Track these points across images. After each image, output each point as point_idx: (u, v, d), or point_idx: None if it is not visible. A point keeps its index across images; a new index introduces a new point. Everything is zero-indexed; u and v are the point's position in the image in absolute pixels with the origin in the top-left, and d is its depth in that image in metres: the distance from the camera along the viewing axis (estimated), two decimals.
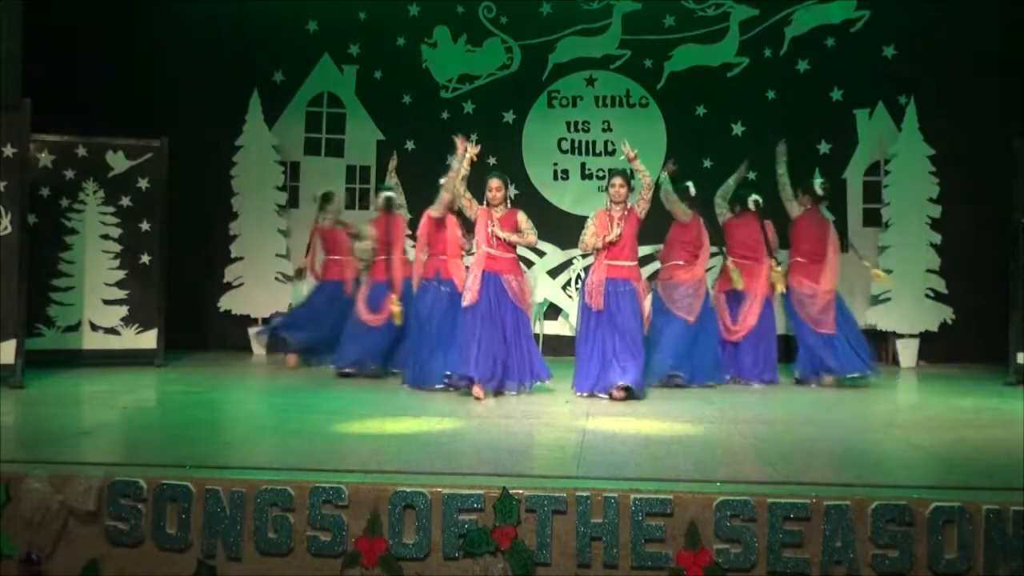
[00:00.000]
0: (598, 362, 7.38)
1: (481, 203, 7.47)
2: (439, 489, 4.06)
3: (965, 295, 10.06)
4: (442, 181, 7.96)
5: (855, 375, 8.35)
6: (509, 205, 7.58)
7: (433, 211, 7.91)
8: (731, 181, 9.05)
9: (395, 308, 8.22)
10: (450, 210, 7.87)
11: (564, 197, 10.87)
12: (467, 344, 7.20)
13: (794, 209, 8.84)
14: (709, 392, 7.88)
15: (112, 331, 9.17)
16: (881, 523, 3.92)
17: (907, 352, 10.14)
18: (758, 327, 8.60)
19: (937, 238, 10.09)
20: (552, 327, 10.82)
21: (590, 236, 7.52)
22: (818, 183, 8.82)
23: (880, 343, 10.46)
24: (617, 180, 7.56)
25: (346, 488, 4.09)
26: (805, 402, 7.86)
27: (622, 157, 7.50)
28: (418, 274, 8.06)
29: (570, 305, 10.57)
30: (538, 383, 7.56)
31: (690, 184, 8.65)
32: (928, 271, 10.12)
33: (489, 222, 7.40)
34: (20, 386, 7.47)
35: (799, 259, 8.78)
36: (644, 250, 9.73)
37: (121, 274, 9.22)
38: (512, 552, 3.97)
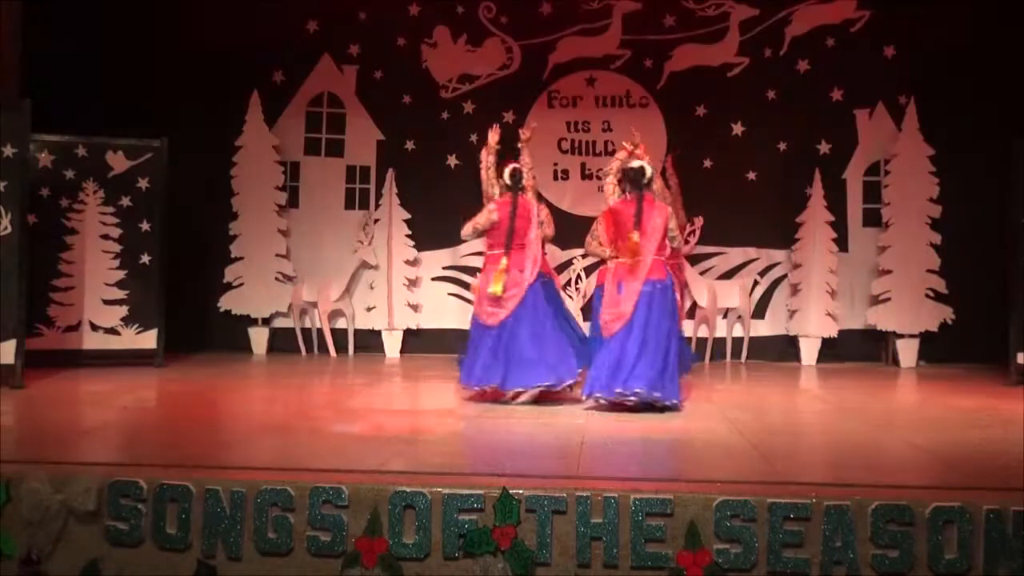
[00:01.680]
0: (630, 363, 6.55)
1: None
2: (439, 489, 4.06)
3: (965, 295, 10.05)
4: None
5: None
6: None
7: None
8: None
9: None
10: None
11: (564, 197, 10.86)
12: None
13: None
14: (710, 392, 7.88)
15: (112, 331, 9.17)
16: (881, 523, 3.92)
17: (907, 352, 10.13)
18: None
19: (937, 238, 10.08)
20: None
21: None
22: None
23: (880, 343, 10.49)
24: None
25: (346, 488, 4.08)
26: (805, 402, 7.87)
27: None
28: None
29: (570, 305, 10.56)
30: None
31: None
32: (928, 271, 10.11)
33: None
34: (20, 386, 7.47)
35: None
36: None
37: (121, 274, 9.22)
38: (512, 552, 3.96)
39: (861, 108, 10.59)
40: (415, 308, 10.81)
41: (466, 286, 10.66)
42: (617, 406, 6.48)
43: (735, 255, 10.70)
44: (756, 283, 10.67)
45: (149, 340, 9.23)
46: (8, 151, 7.73)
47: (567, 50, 10.94)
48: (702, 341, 10.52)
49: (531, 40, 10.97)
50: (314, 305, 10.77)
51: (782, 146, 10.66)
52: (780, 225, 10.55)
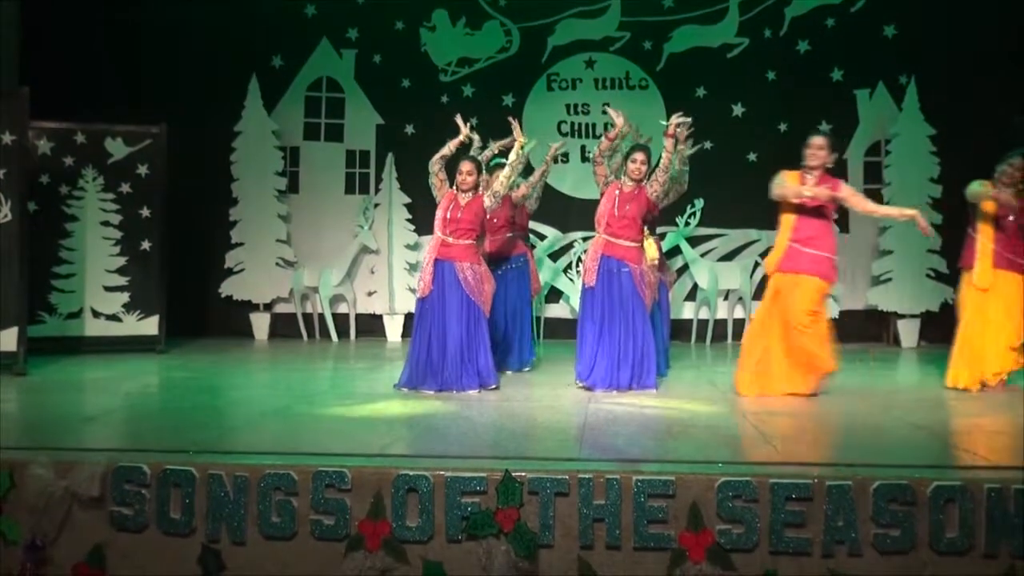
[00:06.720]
0: (594, 353, 6.71)
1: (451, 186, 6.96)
2: (442, 472, 4.06)
3: None
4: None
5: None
6: (479, 191, 6.99)
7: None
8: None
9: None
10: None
11: (564, 180, 10.86)
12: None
13: None
14: (713, 374, 7.88)
15: (114, 318, 9.18)
16: (883, 502, 3.93)
17: (908, 332, 10.14)
18: None
19: (938, 218, 10.06)
20: (553, 310, 10.83)
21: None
22: None
23: (881, 323, 10.49)
24: (639, 156, 6.98)
25: (349, 472, 4.09)
26: None
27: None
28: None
29: (571, 288, 10.58)
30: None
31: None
32: (929, 251, 10.11)
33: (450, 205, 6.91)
34: (22, 373, 7.48)
35: None
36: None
37: (122, 261, 9.22)
38: (515, 534, 3.97)
39: (862, 88, 10.57)
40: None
41: None
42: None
43: (736, 236, 10.71)
44: (757, 264, 10.66)
45: (151, 326, 9.24)
46: (7, 138, 7.71)
47: (566, 33, 10.91)
48: (703, 322, 10.53)
49: (530, 23, 10.94)
50: (315, 290, 10.79)
51: (782, 127, 10.63)
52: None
